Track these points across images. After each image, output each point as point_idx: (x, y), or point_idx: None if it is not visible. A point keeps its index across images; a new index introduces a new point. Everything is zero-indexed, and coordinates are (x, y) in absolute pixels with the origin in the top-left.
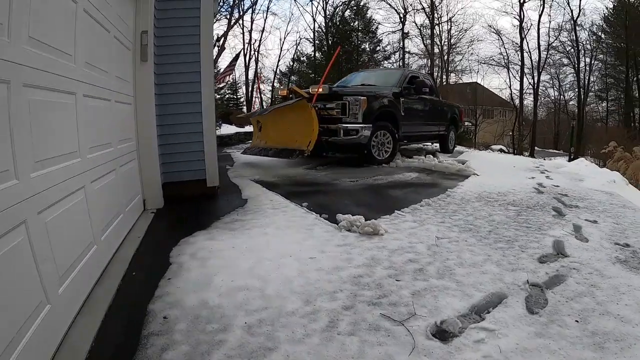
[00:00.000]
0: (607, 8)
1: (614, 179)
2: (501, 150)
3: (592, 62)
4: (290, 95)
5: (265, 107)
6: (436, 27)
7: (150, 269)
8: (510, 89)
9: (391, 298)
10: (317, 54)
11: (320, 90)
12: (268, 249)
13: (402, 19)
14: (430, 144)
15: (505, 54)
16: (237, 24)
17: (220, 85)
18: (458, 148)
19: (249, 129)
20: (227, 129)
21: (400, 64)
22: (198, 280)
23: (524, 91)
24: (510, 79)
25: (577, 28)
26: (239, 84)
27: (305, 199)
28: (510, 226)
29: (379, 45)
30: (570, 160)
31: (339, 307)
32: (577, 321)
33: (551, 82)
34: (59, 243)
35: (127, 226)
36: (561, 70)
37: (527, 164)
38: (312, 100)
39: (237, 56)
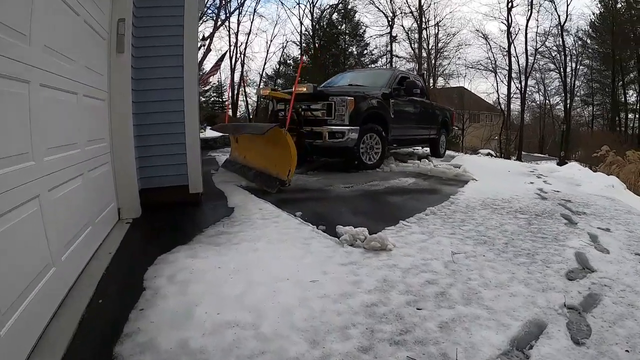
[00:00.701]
0: (593, 14)
1: (612, 184)
2: (489, 154)
3: (577, 67)
4: (270, 100)
5: (250, 111)
6: (424, 31)
7: (120, 296)
8: (498, 93)
9: (416, 334)
10: (304, 57)
11: (304, 89)
12: (260, 270)
13: (390, 23)
14: (420, 147)
15: (493, 58)
16: (224, 25)
17: (206, 88)
18: (447, 152)
19: None
20: (212, 132)
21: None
22: (177, 311)
23: (511, 96)
24: (497, 83)
25: (564, 33)
26: (225, 87)
27: (298, 207)
28: (525, 237)
29: (367, 49)
30: (560, 164)
31: (355, 350)
32: (627, 351)
33: (537, 86)
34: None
35: (98, 240)
36: (547, 75)
37: (520, 168)
38: (289, 112)
39: (223, 56)
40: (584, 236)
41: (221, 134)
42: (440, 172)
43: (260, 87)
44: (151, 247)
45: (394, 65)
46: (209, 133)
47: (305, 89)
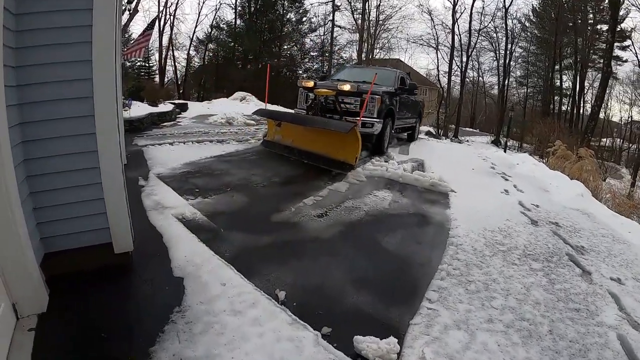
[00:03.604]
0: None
1: (580, 193)
2: (429, 133)
3: (514, 48)
4: (317, 97)
5: (180, 78)
6: (367, 1)
7: None
8: (438, 70)
9: None
10: (238, 21)
11: (348, 87)
12: None
13: None
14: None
15: (436, 35)
16: None
17: (136, 57)
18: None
19: (163, 108)
20: (138, 109)
21: (329, 37)
22: None
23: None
24: (438, 59)
25: (507, 16)
26: (152, 51)
27: (273, 270)
28: (562, 314)
29: (305, 16)
30: (494, 142)
31: None
32: None
33: (471, 64)
34: None
35: None
36: (481, 53)
37: (480, 163)
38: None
39: (153, 23)
40: (607, 298)
41: (147, 113)
42: (413, 179)
43: (304, 77)
44: None
45: (334, 36)
46: (135, 111)
47: (349, 87)
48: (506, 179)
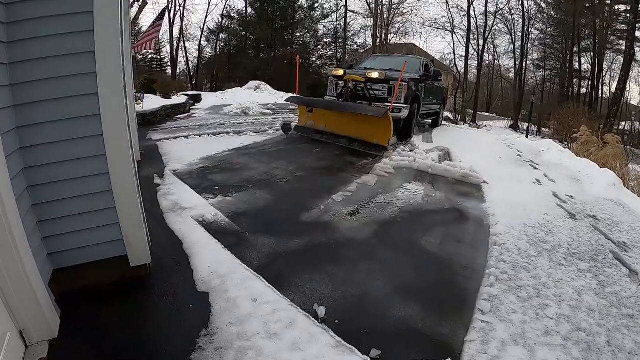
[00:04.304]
0: None
1: (613, 182)
2: (447, 119)
3: (530, 30)
4: (348, 83)
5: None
6: None
7: None
8: (454, 54)
9: None
10: (249, 10)
11: (377, 75)
12: None
13: None
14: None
15: (451, 17)
16: None
17: (147, 49)
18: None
19: (176, 100)
20: (151, 102)
21: (342, 23)
22: None
23: (468, 57)
24: (454, 43)
25: None
26: (163, 43)
27: (308, 280)
28: (617, 322)
29: (317, 2)
30: (513, 127)
31: None
32: None
33: (486, 47)
34: None
35: None
36: (497, 36)
37: (506, 151)
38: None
39: (162, 14)
40: None
41: (161, 106)
42: (442, 170)
43: (333, 66)
44: None
45: (348, 21)
46: (148, 104)
47: (378, 75)
48: (535, 168)
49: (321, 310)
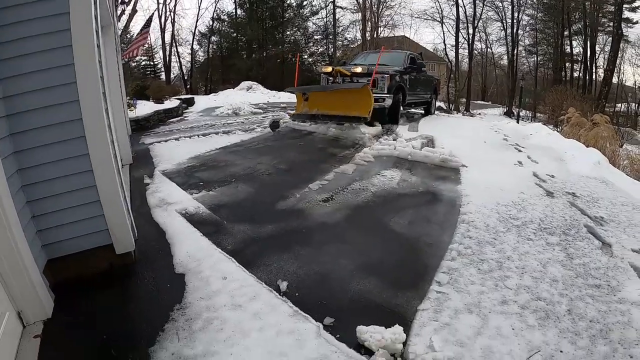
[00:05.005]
0: None
1: (597, 160)
2: (440, 109)
3: (520, 16)
4: (336, 76)
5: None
6: None
7: None
8: (445, 44)
9: None
10: (238, 11)
11: (360, 70)
12: None
13: None
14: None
15: (439, 8)
16: None
17: (134, 56)
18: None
19: (169, 104)
20: (144, 108)
21: (331, 19)
22: None
23: (458, 46)
24: (444, 33)
25: None
26: (155, 49)
27: (276, 260)
28: (581, 292)
29: (305, 0)
30: (507, 114)
31: None
32: None
33: (478, 35)
34: None
35: None
36: (488, 24)
37: (492, 136)
38: (370, 82)
39: (150, 20)
40: (630, 272)
41: (153, 111)
42: (422, 156)
43: (324, 64)
44: None
45: (337, 17)
46: (140, 110)
47: (361, 69)
48: (520, 150)
49: (283, 285)
